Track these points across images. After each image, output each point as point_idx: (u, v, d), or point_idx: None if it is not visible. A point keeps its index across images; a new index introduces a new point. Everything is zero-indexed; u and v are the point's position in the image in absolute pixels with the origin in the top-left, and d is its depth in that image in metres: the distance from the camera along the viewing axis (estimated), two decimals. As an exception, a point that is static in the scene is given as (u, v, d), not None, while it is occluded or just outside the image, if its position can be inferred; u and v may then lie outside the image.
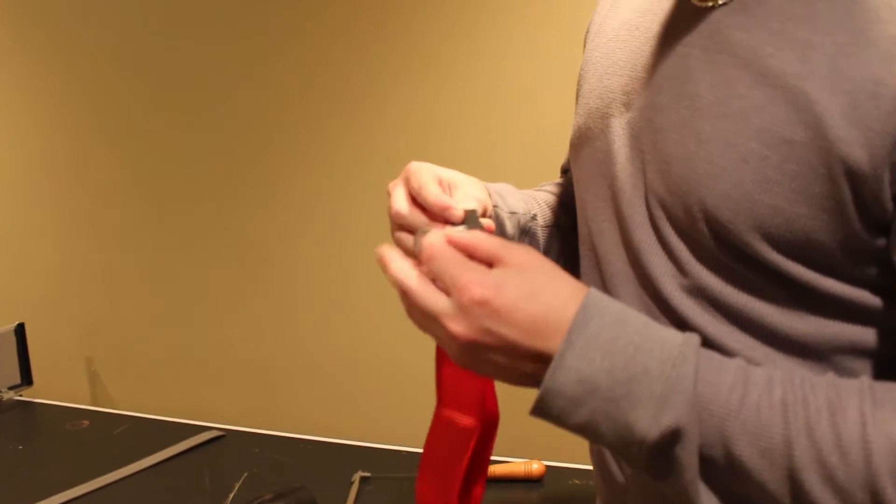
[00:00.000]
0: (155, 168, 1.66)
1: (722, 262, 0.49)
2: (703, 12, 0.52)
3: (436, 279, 0.48)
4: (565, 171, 0.86)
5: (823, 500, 0.41)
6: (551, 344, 0.45)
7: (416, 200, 0.58)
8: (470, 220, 0.56)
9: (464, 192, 0.60)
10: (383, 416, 1.56)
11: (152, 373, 1.75)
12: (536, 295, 0.46)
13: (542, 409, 0.46)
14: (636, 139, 0.56)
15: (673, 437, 0.43)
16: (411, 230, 0.58)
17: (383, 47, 1.42)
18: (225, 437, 1.40)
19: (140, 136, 1.66)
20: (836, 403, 0.42)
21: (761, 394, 0.43)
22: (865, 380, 0.44)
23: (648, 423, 0.43)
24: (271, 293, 1.61)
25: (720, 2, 0.51)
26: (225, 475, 1.25)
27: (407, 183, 0.59)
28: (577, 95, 0.69)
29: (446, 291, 0.47)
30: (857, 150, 0.43)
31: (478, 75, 1.36)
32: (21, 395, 1.62)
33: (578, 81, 0.70)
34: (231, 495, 1.18)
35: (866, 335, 0.48)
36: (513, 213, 0.69)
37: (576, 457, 1.26)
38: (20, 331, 1.62)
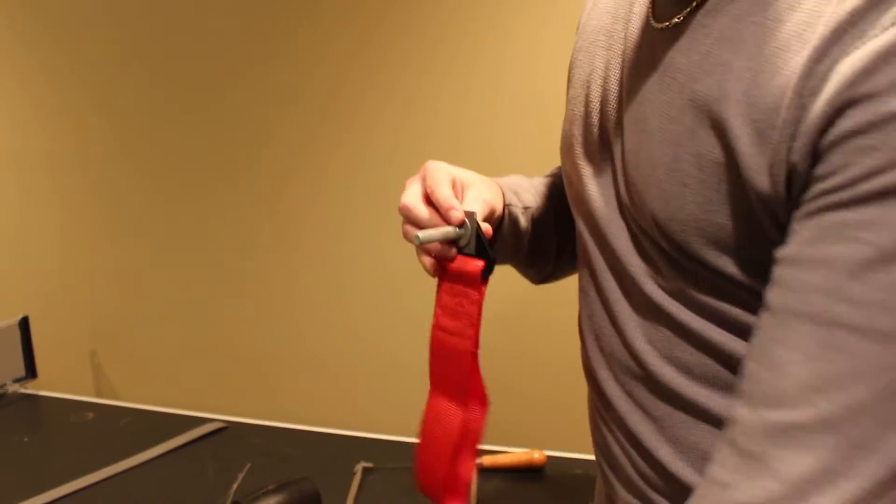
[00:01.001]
0: (158, 162, 1.66)
1: (689, 271, 0.50)
2: (659, 33, 0.52)
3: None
4: None
5: None
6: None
7: (427, 197, 0.61)
8: (469, 222, 0.60)
9: (474, 193, 0.62)
10: (385, 408, 1.56)
11: (156, 365, 1.76)
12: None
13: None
14: (611, 151, 0.58)
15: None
16: (418, 224, 0.61)
17: (382, 46, 1.42)
18: (228, 429, 1.41)
19: (144, 132, 1.66)
20: None
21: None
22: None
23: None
24: (273, 286, 1.62)
25: (672, 24, 0.51)
26: (228, 466, 1.25)
27: (423, 181, 0.62)
28: (567, 96, 0.70)
29: None
30: (763, 177, 0.43)
31: (477, 74, 1.36)
32: (26, 388, 1.62)
33: (567, 80, 0.70)
34: (234, 486, 1.19)
35: None
36: (526, 207, 0.71)
37: (577, 446, 1.27)
38: (24, 324, 1.62)
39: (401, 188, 0.64)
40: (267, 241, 1.60)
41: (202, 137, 1.61)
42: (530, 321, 1.40)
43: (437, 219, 0.60)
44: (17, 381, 1.62)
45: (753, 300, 0.47)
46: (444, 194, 0.60)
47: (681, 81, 0.49)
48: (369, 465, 1.24)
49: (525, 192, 0.72)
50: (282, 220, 1.58)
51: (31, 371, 1.64)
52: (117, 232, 1.73)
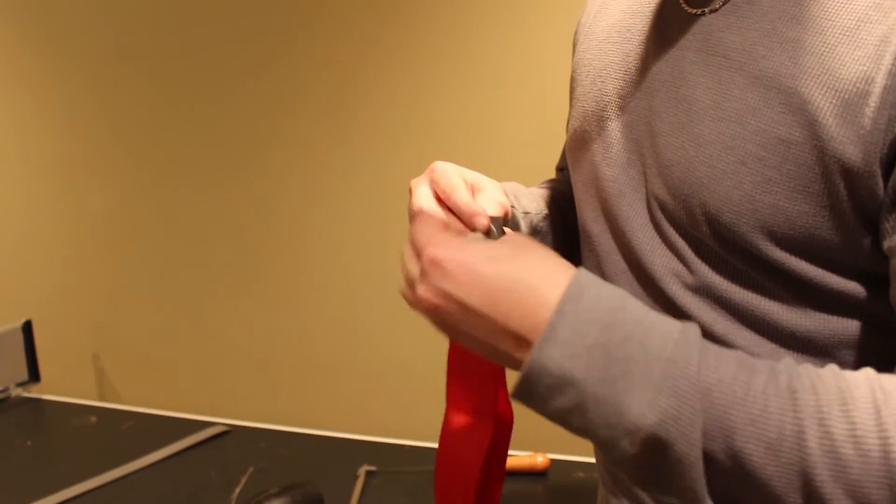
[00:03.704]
0: (161, 166, 1.66)
1: (726, 262, 0.49)
2: (698, 17, 0.52)
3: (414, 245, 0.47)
4: (561, 170, 0.86)
5: (834, 498, 0.37)
6: (529, 324, 0.41)
7: (440, 201, 0.57)
8: (495, 227, 0.56)
9: (488, 196, 0.59)
10: (389, 411, 1.56)
11: (159, 369, 1.76)
12: (499, 259, 0.43)
13: (526, 389, 0.42)
14: (636, 142, 0.56)
15: (672, 427, 0.38)
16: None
17: (385, 48, 1.42)
18: (231, 433, 1.41)
19: (145, 135, 1.66)
20: (846, 391, 0.39)
21: (767, 381, 0.40)
22: (870, 370, 0.41)
23: (644, 407, 0.38)
24: (276, 289, 1.62)
25: (711, 8, 0.51)
26: (231, 470, 1.25)
27: (434, 184, 0.58)
28: (571, 98, 0.69)
29: (418, 256, 0.46)
30: (849, 147, 0.43)
31: (480, 75, 1.36)
32: (29, 392, 1.62)
33: (571, 84, 0.70)
34: (237, 490, 1.19)
35: (866, 329, 0.48)
36: (526, 213, 0.70)
37: (580, 450, 1.27)
38: (27, 328, 1.63)
39: (405, 188, 0.63)
40: (270, 243, 1.60)
41: (205, 140, 1.61)
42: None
43: (456, 224, 0.56)
44: (19, 384, 1.62)
45: (786, 294, 0.47)
46: (464, 199, 0.56)
47: (738, 60, 0.48)
48: (372, 468, 1.24)
49: (523, 198, 0.71)
50: (286, 223, 1.58)
51: (33, 375, 1.64)
52: (120, 235, 1.73)
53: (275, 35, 1.49)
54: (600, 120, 0.60)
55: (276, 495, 1.06)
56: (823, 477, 0.37)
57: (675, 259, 0.53)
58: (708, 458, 0.39)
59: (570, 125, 0.66)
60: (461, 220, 0.56)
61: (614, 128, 0.59)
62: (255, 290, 1.64)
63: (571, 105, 0.68)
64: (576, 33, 0.72)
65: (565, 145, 0.68)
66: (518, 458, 1.22)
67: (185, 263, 1.68)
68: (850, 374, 0.40)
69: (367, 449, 1.33)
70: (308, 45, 1.47)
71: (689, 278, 0.52)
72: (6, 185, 1.82)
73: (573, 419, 0.41)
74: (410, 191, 0.60)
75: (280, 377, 1.65)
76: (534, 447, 1.27)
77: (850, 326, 0.48)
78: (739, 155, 0.47)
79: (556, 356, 0.40)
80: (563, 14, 1.28)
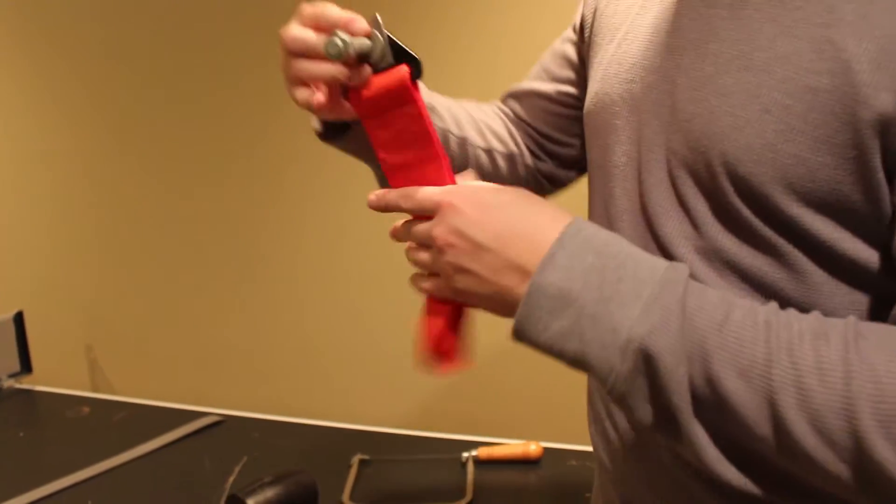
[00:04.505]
0: (154, 156, 1.65)
1: (741, 220, 0.49)
2: None
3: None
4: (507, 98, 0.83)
5: (796, 425, 0.40)
6: (533, 258, 0.47)
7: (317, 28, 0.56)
8: (378, 31, 0.53)
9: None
10: (382, 400, 1.57)
11: (152, 359, 1.76)
12: (509, 203, 0.50)
13: (526, 313, 0.46)
14: (657, 102, 0.56)
15: (659, 339, 0.42)
16: (311, 55, 0.55)
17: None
18: (224, 423, 1.41)
19: (137, 126, 1.65)
20: (820, 330, 0.42)
21: (745, 314, 0.43)
22: (852, 317, 0.43)
23: (634, 321, 0.43)
24: (269, 279, 1.62)
25: None
26: (224, 460, 1.25)
27: (302, 20, 0.56)
28: (587, 63, 0.69)
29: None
30: (883, 94, 0.42)
31: (474, 65, 1.36)
32: (21, 383, 1.62)
33: (582, 49, 0.70)
34: (231, 479, 1.19)
35: (873, 306, 0.48)
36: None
37: (573, 438, 1.27)
38: (19, 319, 1.62)
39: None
40: (264, 234, 1.60)
41: (200, 131, 1.60)
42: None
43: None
44: (11, 376, 1.61)
45: (797, 259, 0.47)
46: (335, 11, 0.54)
47: (770, 12, 0.48)
48: (366, 457, 1.24)
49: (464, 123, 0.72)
50: (279, 214, 1.58)
51: (25, 366, 1.63)
52: (112, 226, 1.73)
53: (270, 29, 1.48)
54: (623, 82, 0.60)
55: (270, 484, 1.06)
56: (787, 403, 0.40)
57: (688, 222, 0.53)
58: (689, 381, 0.43)
59: (589, 88, 0.66)
60: (341, 28, 0.53)
61: (637, 89, 0.58)
62: (248, 281, 1.63)
63: (590, 68, 0.67)
64: (584, 7, 0.72)
65: (585, 110, 0.66)
66: (511, 446, 1.23)
67: (177, 254, 1.68)
68: (831, 318, 0.43)
69: (360, 438, 1.33)
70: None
71: (699, 242, 0.52)
72: (-4, 176, 1.81)
73: (570, 343, 0.45)
74: (280, 40, 0.58)
75: (273, 367, 1.65)
76: (527, 435, 1.28)
77: (856, 301, 0.48)
78: (764, 103, 0.47)
79: (554, 279, 0.45)
80: (557, 4, 1.27)
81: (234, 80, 1.54)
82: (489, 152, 0.74)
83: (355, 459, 1.23)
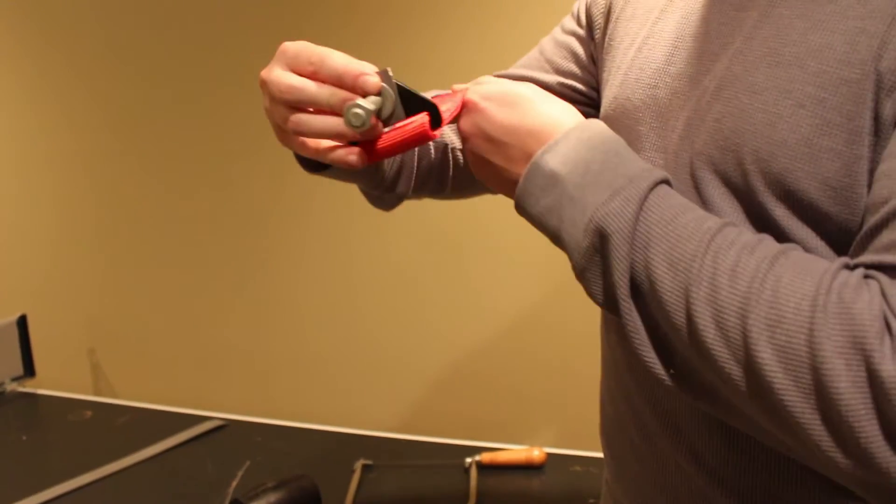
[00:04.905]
0: (156, 159, 1.66)
1: (773, 219, 0.49)
2: None
3: None
4: None
5: (701, 317, 0.43)
6: (541, 147, 0.52)
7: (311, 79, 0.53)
8: (387, 84, 0.51)
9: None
10: (385, 405, 1.56)
11: (154, 363, 1.76)
12: (526, 102, 0.55)
13: (524, 186, 0.52)
14: (683, 107, 0.55)
15: (612, 222, 0.47)
16: (312, 104, 0.52)
17: (383, 42, 1.41)
18: (227, 427, 1.41)
19: (140, 129, 1.65)
20: (750, 243, 0.44)
21: (696, 218, 0.46)
22: (788, 244, 0.45)
23: (599, 205, 0.48)
24: (272, 283, 1.62)
25: None
26: (227, 464, 1.25)
27: (293, 63, 0.52)
28: (598, 63, 0.68)
29: None
30: None
31: (480, 65, 1.36)
32: (24, 387, 1.62)
33: (586, 47, 0.70)
34: (233, 484, 1.18)
35: None
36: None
37: (577, 443, 1.27)
38: (22, 322, 1.62)
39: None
40: (267, 238, 1.60)
41: (201, 134, 1.60)
42: (530, 318, 1.40)
43: (340, 93, 0.51)
44: (14, 379, 1.61)
45: (827, 253, 0.47)
46: (341, 61, 0.51)
47: (800, 8, 0.48)
48: (369, 462, 1.24)
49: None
50: (282, 219, 1.58)
51: (28, 370, 1.63)
52: (115, 230, 1.73)
53: (273, 28, 1.49)
54: (646, 87, 0.59)
55: (273, 489, 1.06)
56: (699, 296, 0.43)
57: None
58: (634, 271, 0.47)
59: (607, 93, 0.65)
60: (345, 86, 0.51)
61: (660, 94, 0.58)
62: (251, 285, 1.63)
63: (607, 72, 0.67)
64: (591, 6, 0.72)
65: (602, 115, 0.66)
66: (514, 451, 1.22)
67: (180, 258, 1.68)
68: (769, 238, 0.46)
69: (363, 443, 1.33)
70: (305, 36, 1.47)
71: None
72: (1, 181, 1.81)
73: (552, 219, 0.51)
74: (263, 84, 0.53)
75: (276, 372, 1.65)
76: (530, 441, 1.27)
77: None
78: (797, 98, 0.47)
79: (550, 161, 0.51)
80: (563, 6, 1.27)
81: (238, 81, 1.54)
82: None
83: (358, 464, 1.23)
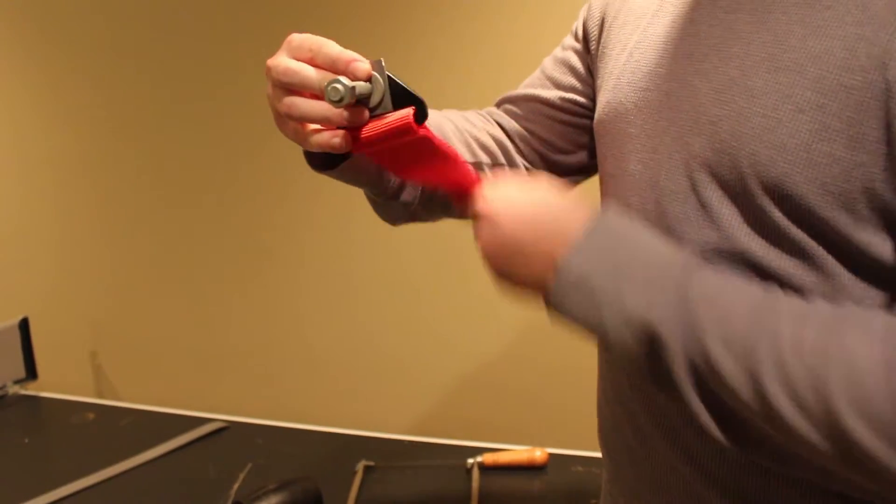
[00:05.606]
0: (158, 161, 1.66)
1: (770, 223, 0.49)
2: None
3: None
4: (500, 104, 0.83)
5: (775, 399, 0.43)
6: (561, 249, 0.51)
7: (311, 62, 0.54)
8: (378, 73, 0.52)
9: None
10: (387, 406, 1.56)
11: (157, 365, 1.76)
12: (539, 206, 0.54)
13: (554, 289, 0.51)
14: (675, 108, 0.55)
15: (656, 313, 0.46)
16: (307, 88, 0.53)
17: (384, 40, 1.41)
18: (229, 429, 1.41)
19: (143, 130, 1.65)
20: (811, 310, 0.44)
21: (738, 289, 0.46)
22: (849, 304, 0.45)
23: (638, 295, 0.48)
24: (274, 285, 1.62)
25: None
26: (229, 466, 1.25)
27: (296, 51, 0.54)
28: (595, 73, 0.68)
29: None
30: None
31: (480, 64, 1.36)
32: (26, 389, 1.62)
33: (584, 60, 0.70)
34: (235, 486, 1.19)
35: None
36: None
37: (579, 444, 1.27)
38: (24, 325, 1.62)
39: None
40: (267, 240, 1.60)
41: (203, 135, 1.60)
42: (531, 318, 1.40)
43: (330, 76, 0.52)
44: (17, 382, 1.61)
45: (825, 262, 0.47)
46: (336, 49, 0.53)
47: (798, 14, 0.48)
48: (371, 463, 1.24)
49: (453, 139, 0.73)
50: (285, 220, 1.58)
51: (31, 372, 1.63)
52: (117, 232, 1.73)
53: (276, 29, 1.49)
54: (638, 90, 0.59)
55: (275, 491, 1.06)
56: (766, 373, 0.43)
57: (710, 226, 0.52)
58: (689, 359, 0.46)
59: (600, 98, 0.65)
60: (338, 71, 0.52)
61: (653, 97, 0.58)
62: (253, 286, 1.63)
63: (600, 78, 0.67)
64: (589, 8, 0.72)
65: (596, 120, 0.66)
66: (516, 452, 1.22)
67: (182, 260, 1.68)
68: (850, 308, 0.45)
69: (365, 444, 1.33)
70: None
71: (723, 245, 0.51)
72: (2, 182, 1.82)
73: (589, 313, 0.50)
74: (267, 70, 0.55)
75: (278, 373, 1.65)
76: (532, 441, 1.27)
77: (885, 303, 0.47)
78: (797, 103, 0.47)
79: (576, 260, 0.50)
80: (563, 5, 1.27)
81: (241, 82, 1.54)
82: (477, 165, 0.73)
83: (360, 466, 1.23)
